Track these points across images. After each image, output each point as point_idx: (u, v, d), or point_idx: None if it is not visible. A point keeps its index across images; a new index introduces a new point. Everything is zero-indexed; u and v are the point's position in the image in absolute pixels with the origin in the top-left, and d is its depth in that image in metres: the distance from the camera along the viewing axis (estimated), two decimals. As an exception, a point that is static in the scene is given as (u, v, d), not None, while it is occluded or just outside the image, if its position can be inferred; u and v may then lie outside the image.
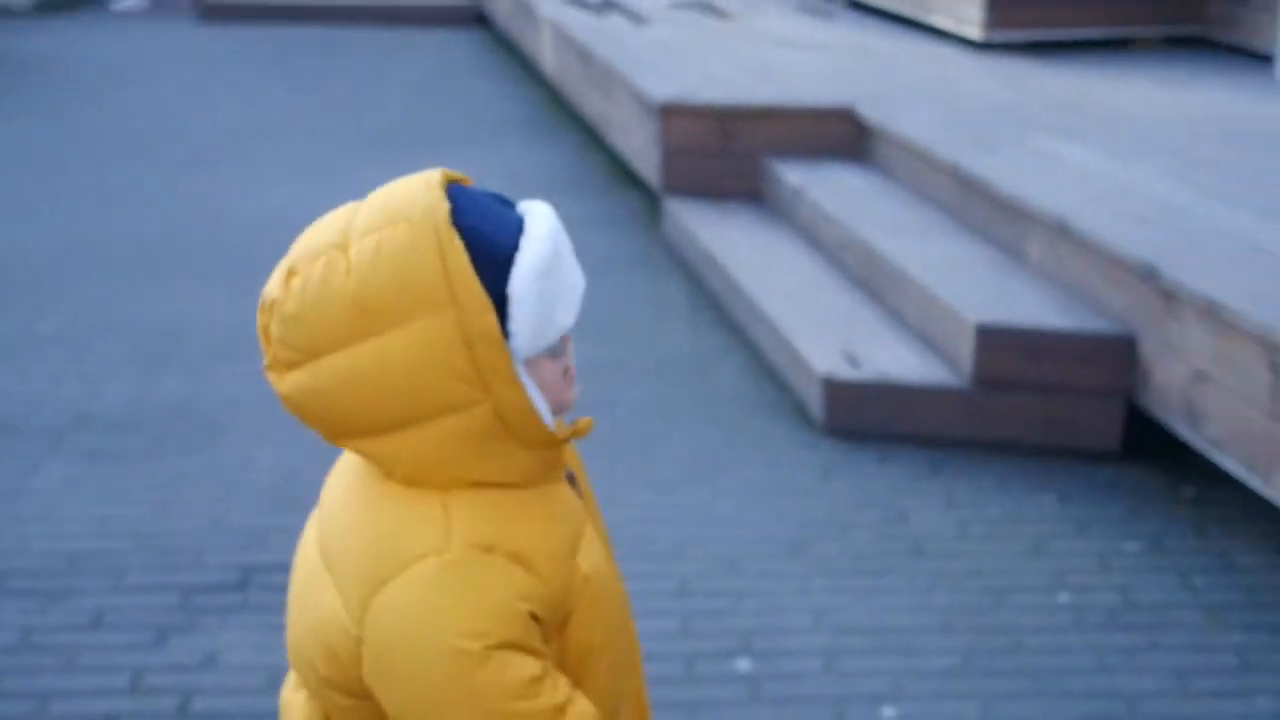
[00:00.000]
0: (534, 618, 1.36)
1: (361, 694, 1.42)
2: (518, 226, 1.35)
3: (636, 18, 8.60)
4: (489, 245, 1.32)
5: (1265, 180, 4.67)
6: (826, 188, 5.56)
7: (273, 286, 1.33)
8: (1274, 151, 5.04)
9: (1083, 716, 3.03)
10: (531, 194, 6.94)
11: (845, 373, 4.28)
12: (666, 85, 6.45)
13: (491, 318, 1.32)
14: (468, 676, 1.32)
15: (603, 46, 7.56)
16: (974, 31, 7.23)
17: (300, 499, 3.94)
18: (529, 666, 1.34)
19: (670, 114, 6.14)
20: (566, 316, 1.36)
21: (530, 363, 1.38)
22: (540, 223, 1.36)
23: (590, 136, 7.95)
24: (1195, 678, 3.17)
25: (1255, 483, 3.54)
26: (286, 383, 1.34)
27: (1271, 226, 4.16)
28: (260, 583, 3.54)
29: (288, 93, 9.36)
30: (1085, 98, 6.11)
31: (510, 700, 1.33)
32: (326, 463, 4.15)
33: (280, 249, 6.09)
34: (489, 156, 7.67)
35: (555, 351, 1.39)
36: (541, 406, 1.38)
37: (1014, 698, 3.09)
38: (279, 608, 3.42)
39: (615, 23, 8.44)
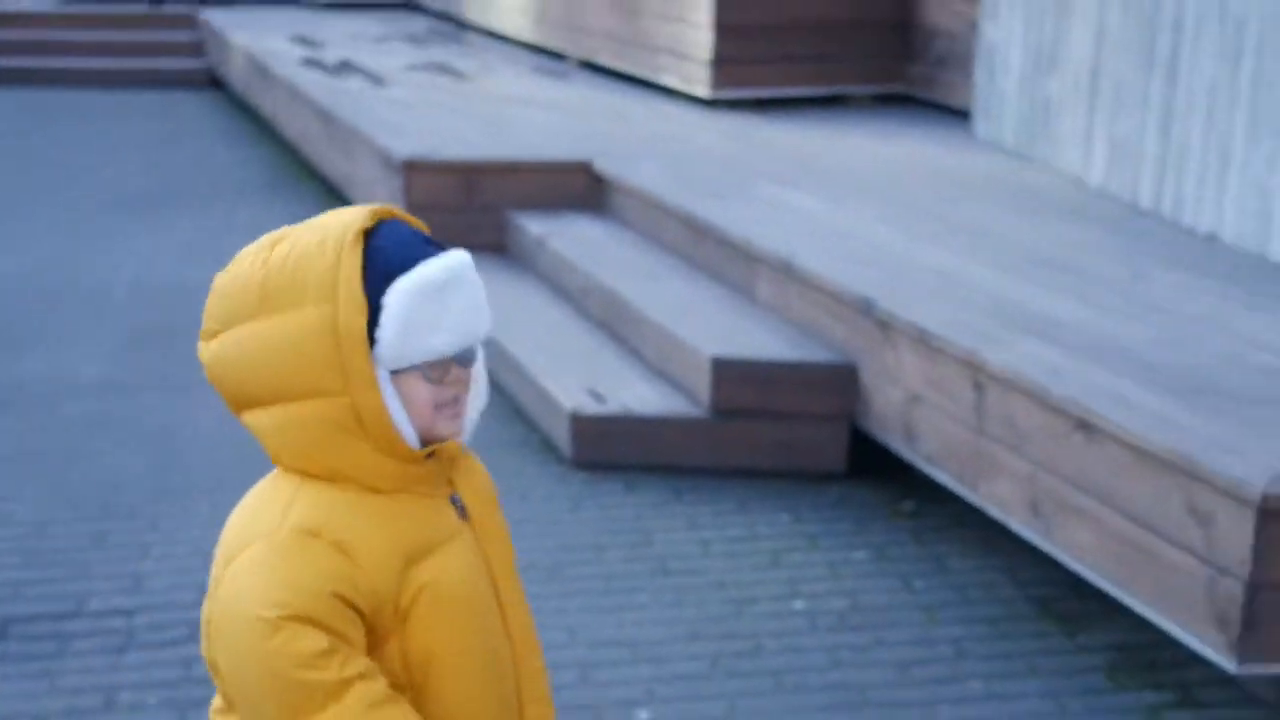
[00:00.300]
0: (349, 604, 1.50)
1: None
2: (423, 256, 1.53)
3: (375, 78, 8.75)
4: (384, 261, 1.51)
5: (964, 222, 5.10)
6: (567, 237, 5.81)
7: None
8: (973, 197, 5.51)
9: (819, 708, 3.30)
10: (276, 251, 6.98)
11: (591, 408, 4.51)
12: (408, 143, 6.62)
13: (361, 320, 1.50)
14: (262, 642, 1.48)
15: (343, 107, 7.68)
16: (701, 90, 7.62)
17: (57, 551, 3.95)
18: (319, 640, 1.49)
19: (413, 170, 6.31)
20: (439, 342, 1.52)
21: (400, 377, 1.53)
22: (444, 259, 1.53)
23: (333, 195, 8.05)
24: (917, 668, 3.47)
25: (965, 492, 3.89)
26: (207, 352, 1.55)
27: (969, 262, 4.57)
28: (19, 634, 3.55)
29: (21, 156, 9.17)
30: (805, 150, 6.52)
31: (297, 669, 1.48)
32: (81, 518, 4.15)
33: (20, 310, 6.01)
34: (233, 217, 7.69)
35: (431, 377, 1.53)
36: (401, 419, 1.54)
37: (757, 695, 3.34)
38: (40, 657, 3.44)
39: (354, 84, 8.56)
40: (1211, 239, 4.82)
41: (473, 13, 11.24)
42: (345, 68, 9.24)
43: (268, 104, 9.64)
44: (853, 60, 7.66)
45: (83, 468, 4.49)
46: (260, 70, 9.73)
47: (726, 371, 4.40)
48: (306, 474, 1.55)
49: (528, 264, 6.01)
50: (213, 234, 7.34)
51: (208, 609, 1.56)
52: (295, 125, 8.72)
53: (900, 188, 5.67)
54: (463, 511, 1.64)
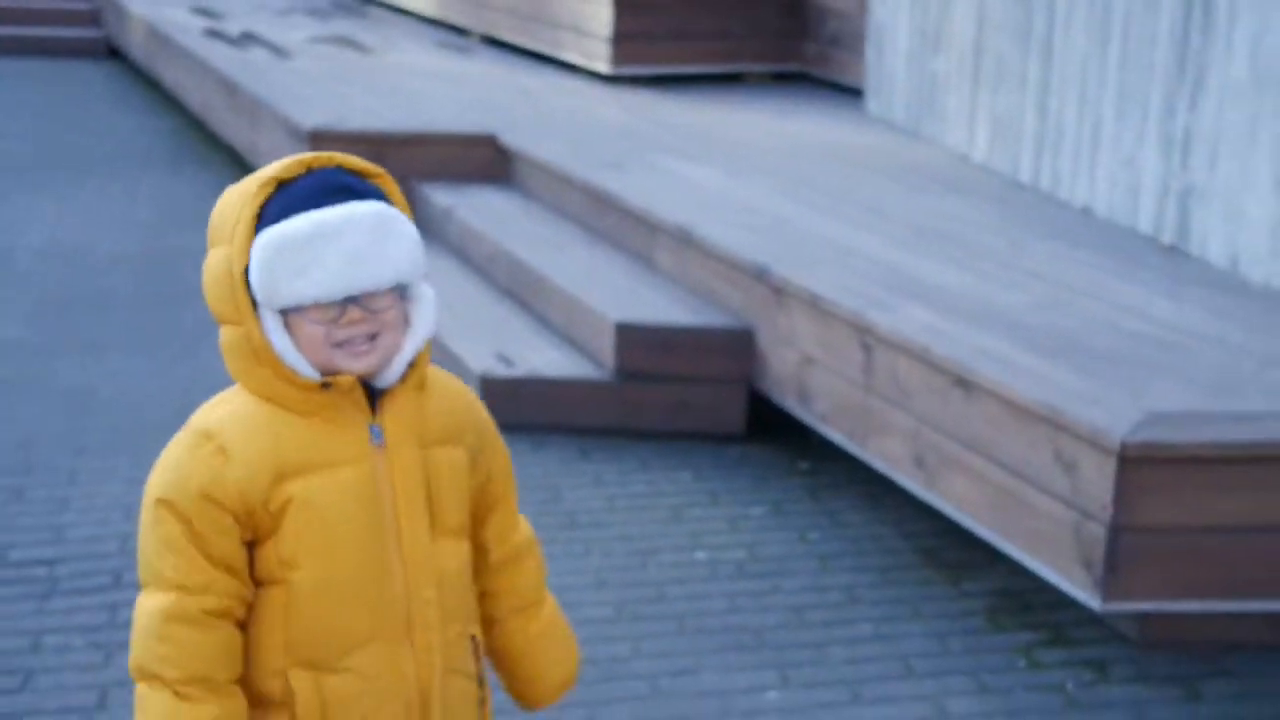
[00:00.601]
0: (216, 504, 1.77)
1: None
2: (306, 209, 1.74)
3: (278, 50, 8.81)
4: (269, 213, 1.74)
5: (855, 195, 5.34)
6: (474, 208, 5.96)
7: None
8: (863, 170, 5.75)
9: (719, 649, 3.51)
10: (182, 222, 7.06)
11: (500, 371, 4.69)
12: (314, 114, 6.72)
13: (241, 263, 1.74)
14: (144, 515, 1.80)
15: (247, 78, 7.75)
16: (602, 66, 7.80)
17: (-23, 508, 4.05)
18: (173, 531, 1.78)
19: (319, 141, 6.42)
20: (305, 289, 1.73)
21: (290, 317, 1.76)
22: (318, 214, 1.74)
23: (238, 164, 8.10)
24: (810, 611, 3.70)
25: (855, 449, 4.13)
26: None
27: (860, 233, 4.81)
28: (-55, 586, 3.65)
29: (-88, 123, 9.10)
30: (703, 125, 6.73)
31: (151, 548, 1.80)
32: (8, 471, 4.25)
33: (-75, 276, 6.04)
34: (137, 186, 7.73)
35: (319, 319, 1.75)
36: (287, 352, 1.76)
37: (660, 638, 3.55)
38: (-33, 607, 3.55)
39: (257, 55, 8.62)
40: (1086, 212, 5.11)
41: (374, -14, 11.30)
42: (248, 39, 9.28)
43: (169, 75, 9.65)
44: (750, 39, 7.88)
45: (-1, 428, 4.59)
46: (161, 40, 9.72)
47: (629, 336, 4.60)
48: (246, 389, 1.80)
49: (435, 234, 6.15)
50: (117, 202, 7.38)
51: None
52: (198, 96, 8.75)
53: (795, 162, 5.90)
54: (379, 441, 1.83)
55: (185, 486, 1.77)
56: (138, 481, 4.19)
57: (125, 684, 3.23)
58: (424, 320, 1.83)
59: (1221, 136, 4.46)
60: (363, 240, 1.74)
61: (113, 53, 11.81)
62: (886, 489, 4.26)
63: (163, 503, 1.78)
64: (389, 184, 1.85)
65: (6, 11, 12.23)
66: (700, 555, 3.95)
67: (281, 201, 1.75)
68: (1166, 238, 4.72)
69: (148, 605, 1.79)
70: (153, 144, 8.78)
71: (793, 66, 7.92)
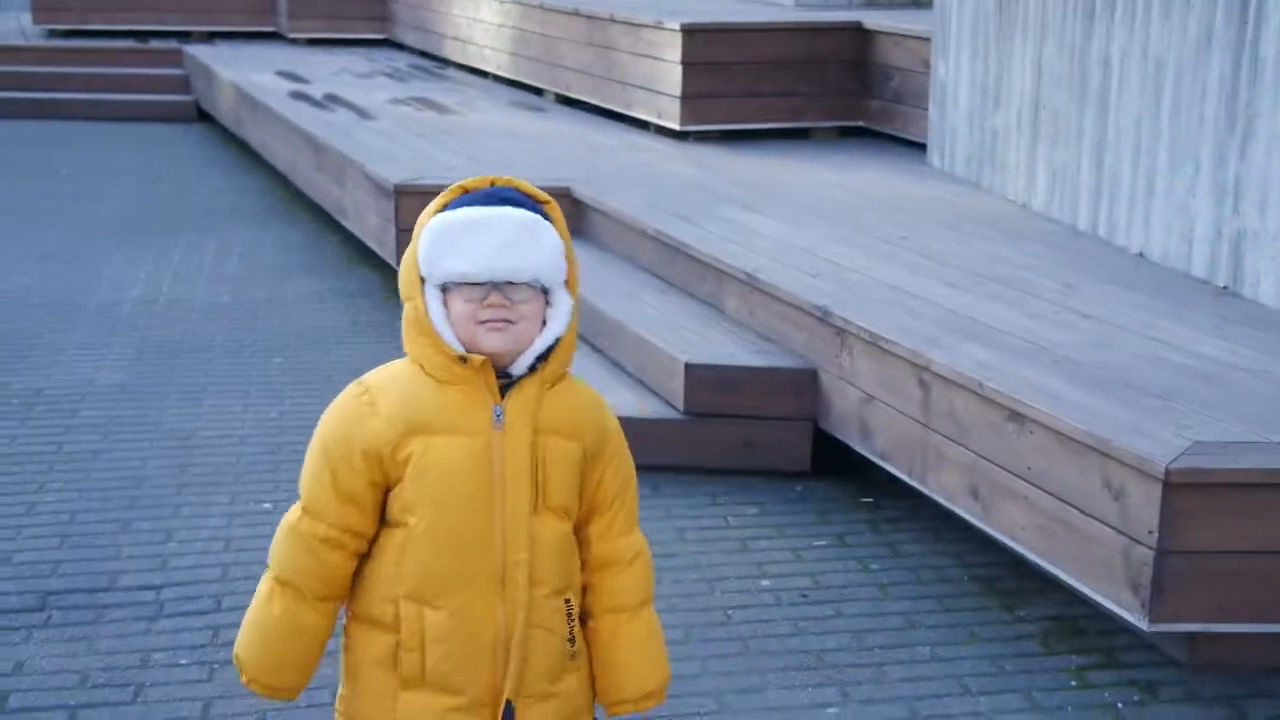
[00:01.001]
0: (357, 448, 2.16)
1: None
2: (468, 205, 2.16)
3: (361, 111, 9.17)
4: (445, 209, 2.17)
5: (915, 242, 5.54)
6: (549, 258, 6.22)
7: None
8: (923, 220, 5.95)
9: (782, 667, 3.70)
10: (270, 273, 7.39)
11: (575, 411, 4.91)
12: (398, 170, 7.03)
13: (414, 246, 2.16)
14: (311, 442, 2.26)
15: (332, 137, 8.09)
16: (672, 123, 8.07)
17: (87, 536, 4.33)
18: (316, 465, 2.21)
19: (404, 195, 6.72)
20: (456, 266, 2.11)
21: (448, 294, 2.14)
22: (474, 210, 2.14)
23: (322, 220, 8.45)
24: (870, 635, 3.88)
25: (915, 483, 4.31)
26: None
27: (918, 277, 5.00)
28: (58, 604, 3.92)
29: (19, 185, 9.54)
30: (769, 178, 6.96)
31: (305, 470, 2.24)
32: (108, 508, 4.53)
33: (32, 327, 6.39)
34: (229, 241, 8.09)
35: (469, 297, 2.12)
36: (440, 323, 2.14)
37: (726, 658, 3.74)
38: (79, 624, 3.81)
39: (341, 116, 8.98)
40: (1140, 257, 5.28)
41: (451, 51, 11.69)
42: (332, 101, 9.66)
43: (256, 136, 10.05)
44: (816, 97, 8.12)
45: (106, 464, 4.87)
46: (249, 103, 10.13)
47: (699, 377, 4.82)
48: (409, 357, 2.21)
49: (512, 283, 6.42)
50: (210, 256, 7.73)
51: None
52: (285, 155, 9.12)
53: (858, 212, 6.12)
54: (499, 422, 2.16)
55: (335, 426, 2.20)
56: (236, 515, 4.48)
57: (227, 697, 3.47)
58: (557, 322, 2.18)
59: (1271, 183, 4.63)
60: (510, 236, 2.12)
61: (202, 116, 12.28)
62: (946, 521, 4.44)
63: (318, 438, 2.21)
64: (554, 210, 2.25)
65: (101, 78, 12.77)
66: (765, 583, 4.14)
67: (459, 203, 2.17)
68: (1220, 281, 4.88)
69: (289, 512, 2.26)
70: (241, 202, 9.15)
71: (857, 122, 8.16)
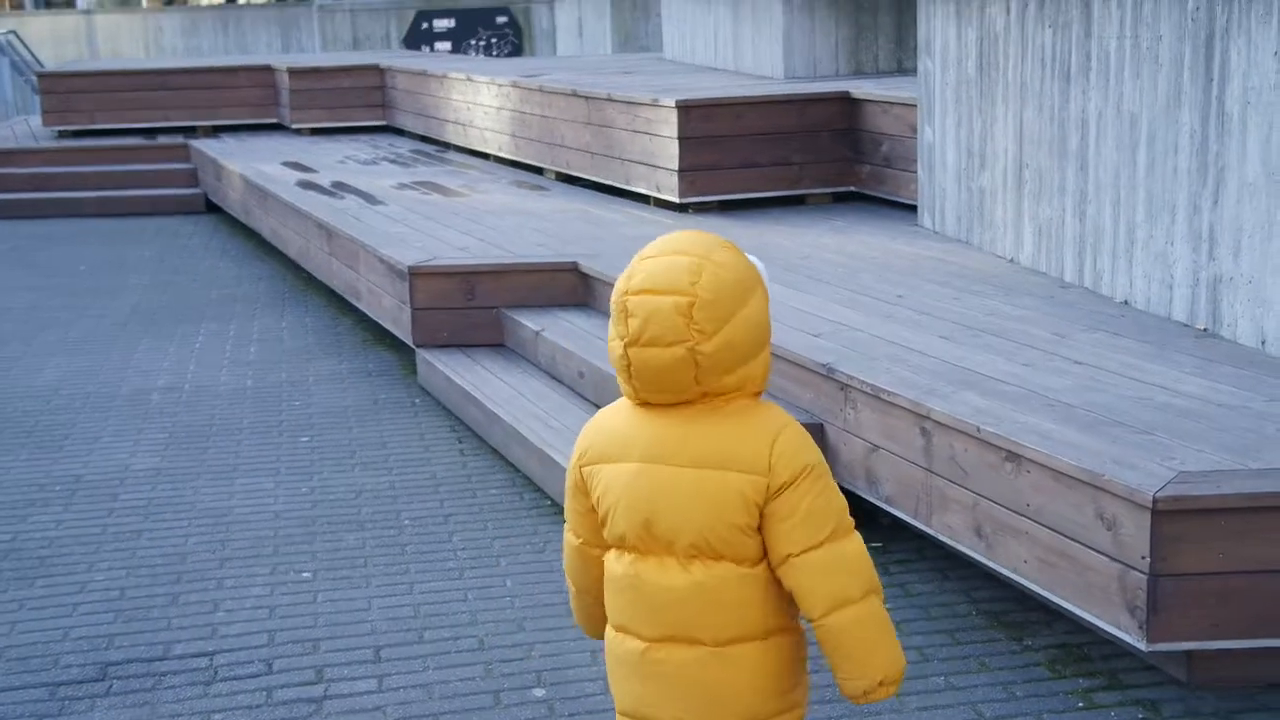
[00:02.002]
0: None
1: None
2: None
3: (369, 197, 9.48)
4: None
5: (911, 299, 5.81)
6: (560, 330, 6.50)
7: (680, 282, 2.43)
8: (917, 278, 6.22)
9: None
10: (289, 356, 7.66)
11: (594, 473, 5.16)
12: (410, 252, 7.32)
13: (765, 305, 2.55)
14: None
15: (344, 223, 8.39)
16: (671, 195, 8.37)
17: (138, 610, 4.56)
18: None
19: (417, 276, 7.01)
20: None
21: None
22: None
23: (338, 304, 8.73)
24: (887, 670, 4.10)
25: (920, 525, 4.55)
26: (713, 343, 2.43)
27: (915, 332, 5.26)
28: (117, 674, 4.14)
29: (39, 281, 9.84)
30: (768, 244, 7.24)
31: (834, 504, 2.54)
32: (156, 583, 4.76)
33: (67, 417, 6.65)
34: (245, 327, 8.36)
35: None
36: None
37: (752, 696, 3.96)
38: (139, 691, 4.04)
39: (350, 202, 9.29)
40: (1125, 305, 5.54)
41: (452, 134, 12.04)
42: (340, 188, 9.97)
43: (266, 225, 10.36)
44: (809, 165, 8.43)
45: (149, 543, 5.11)
46: (259, 194, 10.45)
47: (711, 435, 5.05)
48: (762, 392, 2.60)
49: (526, 355, 6.69)
50: (231, 343, 8.00)
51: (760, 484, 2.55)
52: (296, 243, 9.42)
53: (855, 273, 6.39)
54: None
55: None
56: (278, 584, 4.71)
57: (284, 751, 3.69)
58: None
59: (1243, 229, 4.90)
60: None
61: (210, 207, 12.61)
62: (952, 560, 4.67)
63: (821, 462, 2.55)
64: None
65: (112, 176, 13.12)
66: (785, 626, 4.36)
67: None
68: (1200, 324, 5.14)
69: (857, 538, 2.55)
70: (256, 289, 9.44)
71: (849, 187, 8.46)
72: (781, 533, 2.47)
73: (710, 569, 2.50)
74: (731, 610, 2.51)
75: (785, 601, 2.54)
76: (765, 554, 2.50)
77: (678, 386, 2.46)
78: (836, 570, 2.47)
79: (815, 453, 2.51)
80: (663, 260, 2.47)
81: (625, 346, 2.47)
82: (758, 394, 2.54)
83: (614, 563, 2.58)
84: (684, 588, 2.51)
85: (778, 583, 2.52)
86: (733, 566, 2.50)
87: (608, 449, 2.56)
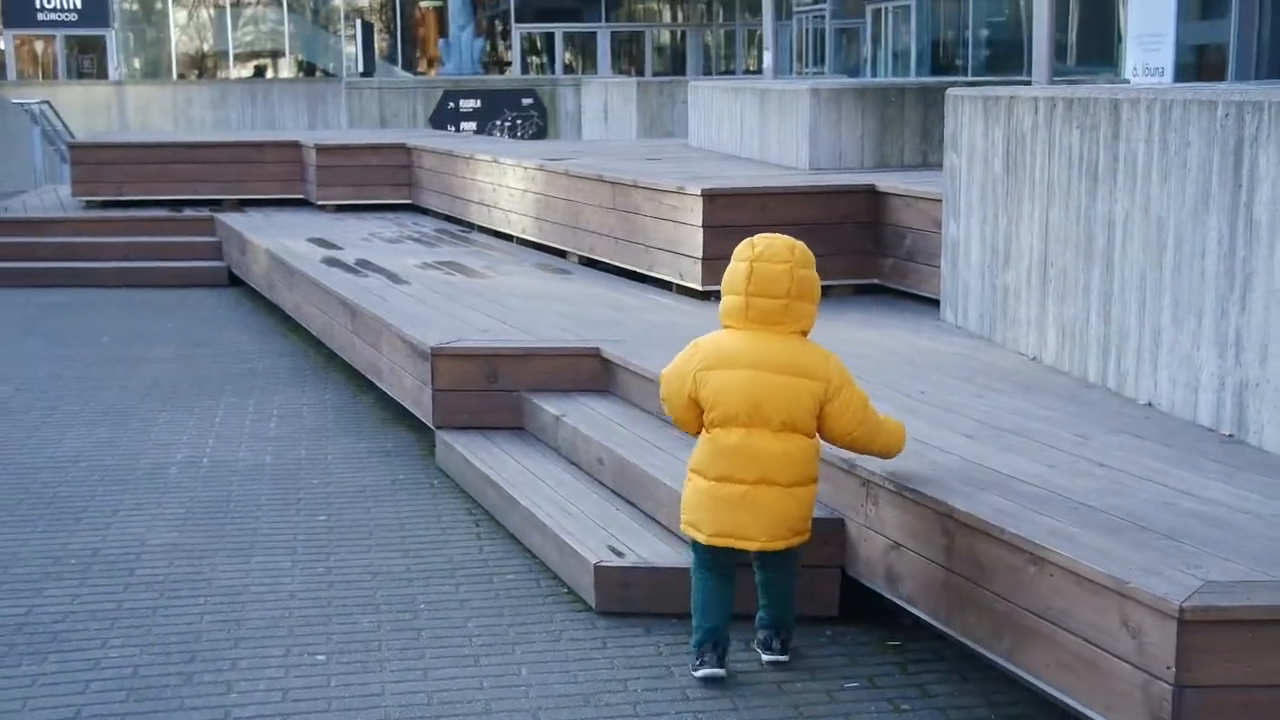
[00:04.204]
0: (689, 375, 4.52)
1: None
2: None
3: (393, 276, 9.53)
4: None
5: (933, 395, 5.80)
6: (581, 416, 6.49)
7: (786, 255, 4.48)
8: (939, 374, 6.22)
9: (822, 805, 3.86)
10: (309, 434, 7.66)
11: (611, 561, 5.14)
12: (433, 333, 7.34)
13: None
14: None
15: (367, 301, 8.43)
16: (694, 283, 8.40)
17: (151, 689, 4.53)
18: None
19: (440, 358, 7.02)
20: None
21: None
22: None
23: (359, 382, 8.74)
24: (905, 773, 4.05)
25: (941, 626, 4.51)
26: (799, 294, 4.47)
27: (938, 430, 5.25)
28: (130, 756, 4.11)
29: (55, 351, 9.88)
30: (791, 336, 7.24)
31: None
32: (169, 662, 4.73)
33: (85, 490, 6.64)
34: (265, 402, 8.38)
35: None
36: None
37: (768, 797, 3.91)
38: (151, 774, 4.00)
39: (374, 280, 9.34)
40: (1149, 407, 5.52)
41: (476, 215, 12.12)
42: (364, 266, 10.03)
43: (290, 300, 10.41)
44: (832, 256, 8.45)
45: (164, 620, 5.09)
46: (284, 269, 10.51)
47: (730, 527, 5.03)
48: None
49: (546, 440, 6.68)
50: (251, 418, 8.01)
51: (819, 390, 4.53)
52: (319, 320, 9.46)
53: (878, 368, 6.38)
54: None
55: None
56: (291, 666, 4.68)
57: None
58: None
59: (1270, 335, 4.89)
60: None
61: (233, 280, 12.68)
62: (971, 662, 4.62)
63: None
64: None
65: (137, 246, 13.22)
66: (802, 725, 4.32)
67: None
68: (1225, 429, 5.12)
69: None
70: (277, 364, 9.47)
71: (872, 280, 8.47)
72: (844, 418, 4.49)
73: (791, 439, 4.39)
74: (799, 465, 4.41)
75: (819, 461, 4.53)
76: (819, 430, 4.50)
77: (775, 320, 4.42)
78: (872, 432, 4.59)
79: (846, 369, 4.54)
80: (774, 244, 4.48)
81: (748, 296, 4.43)
82: (807, 331, 4.50)
83: (723, 436, 4.40)
84: (776, 449, 4.37)
85: (818, 449, 4.51)
86: (802, 438, 4.43)
87: (719, 361, 4.43)
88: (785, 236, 4.47)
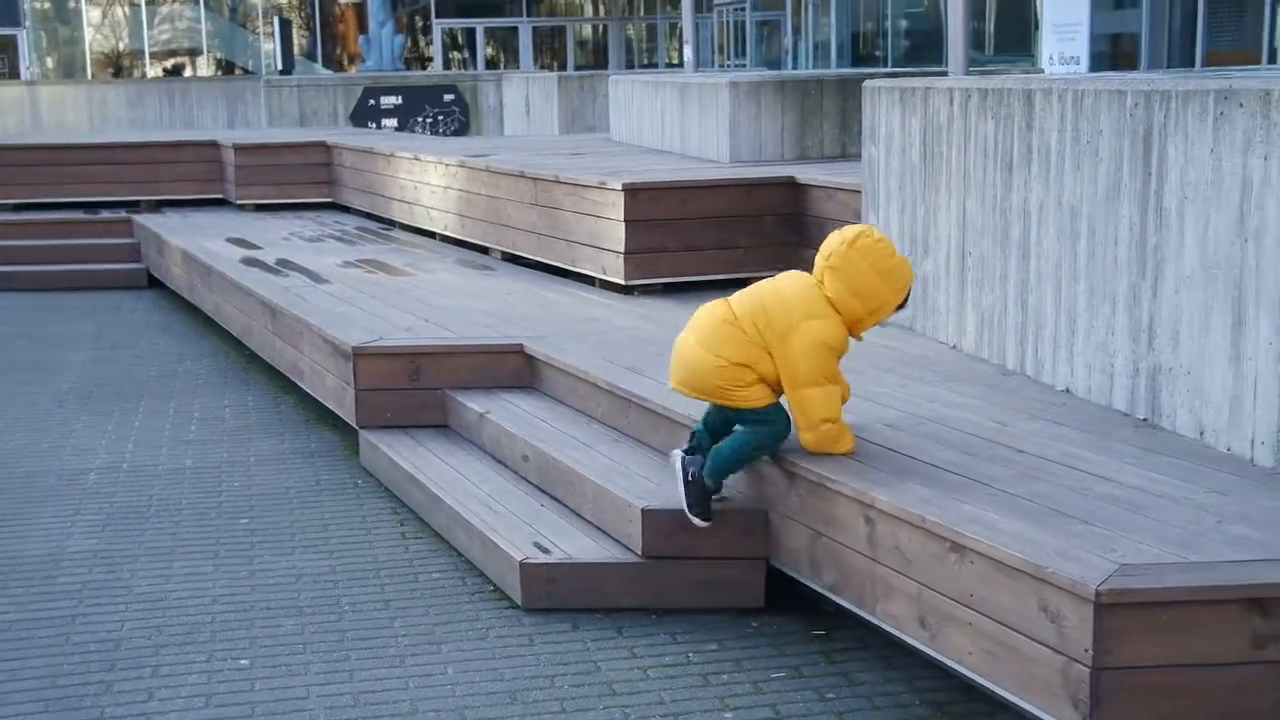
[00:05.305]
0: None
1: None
2: None
3: (314, 275, 9.44)
4: None
5: (855, 386, 5.83)
6: (505, 412, 6.47)
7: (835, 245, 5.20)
8: (861, 363, 6.25)
9: (749, 796, 3.88)
10: (230, 436, 7.59)
11: (538, 559, 5.13)
12: (355, 333, 7.29)
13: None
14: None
15: (288, 302, 8.35)
16: (617, 277, 8.40)
17: (70, 699, 4.46)
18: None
19: (362, 357, 6.97)
20: None
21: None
22: None
23: (280, 383, 8.66)
24: (831, 762, 4.08)
25: (864, 614, 4.54)
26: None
27: (858, 419, 5.28)
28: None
29: (-28, 357, 9.71)
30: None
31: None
32: (88, 671, 4.67)
33: (4, 495, 6.53)
34: (185, 405, 8.28)
35: None
36: None
37: (696, 789, 3.92)
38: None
39: (295, 280, 9.25)
40: (1067, 394, 5.59)
41: (398, 213, 12.04)
42: (285, 266, 9.94)
43: (209, 302, 10.29)
44: (753, 247, 8.50)
45: (83, 628, 5.02)
46: (202, 270, 10.39)
47: (655, 522, 5.05)
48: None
49: (470, 437, 6.65)
50: (171, 421, 7.91)
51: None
52: (240, 320, 9.36)
53: (799, 359, 6.41)
54: None
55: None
56: (214, 672, 4.63)
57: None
58: None
59: (1181, 321, 4.97)
60: None
61: (152, 283, 12.52)
62: (896, 649, 4.66)
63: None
64: None
65: (53, 250, 13.01)
66: (728, 716, 4.34)
67: None
68: (1140, 414, 5.19)
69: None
70: (197, 367, 9.36)
71: (794, 270, 8.49)
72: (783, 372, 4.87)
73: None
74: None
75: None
76: None
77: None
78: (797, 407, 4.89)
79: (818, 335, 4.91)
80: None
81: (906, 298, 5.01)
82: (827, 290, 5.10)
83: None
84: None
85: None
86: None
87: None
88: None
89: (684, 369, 4.93)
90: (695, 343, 4.91)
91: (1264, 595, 3.63)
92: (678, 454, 4.97)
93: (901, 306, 4.98)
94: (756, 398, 4.84)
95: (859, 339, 4.98)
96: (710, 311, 4.99)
